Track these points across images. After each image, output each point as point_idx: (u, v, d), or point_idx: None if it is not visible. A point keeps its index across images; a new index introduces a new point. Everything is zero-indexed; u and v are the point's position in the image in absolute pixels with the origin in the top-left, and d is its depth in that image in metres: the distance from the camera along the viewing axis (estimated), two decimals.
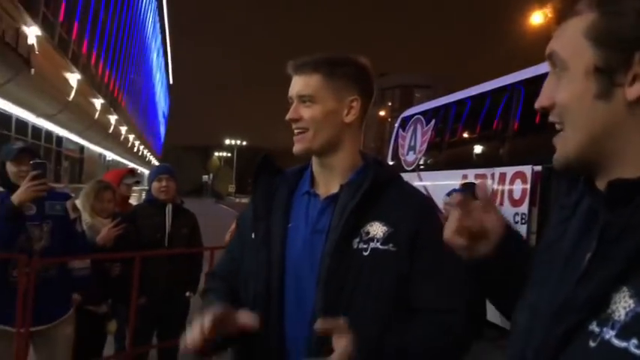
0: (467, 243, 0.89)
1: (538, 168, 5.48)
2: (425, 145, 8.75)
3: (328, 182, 1.32)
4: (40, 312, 2.70)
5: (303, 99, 1.29)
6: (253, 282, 1.26)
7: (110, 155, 35.27)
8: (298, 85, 1.29)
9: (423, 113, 9.17)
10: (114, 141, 31.96)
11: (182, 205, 3.71)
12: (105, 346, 3.49)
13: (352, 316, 1.11)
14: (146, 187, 3.85)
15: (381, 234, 1.21)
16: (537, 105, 0.78)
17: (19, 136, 17.47)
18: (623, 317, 0.63)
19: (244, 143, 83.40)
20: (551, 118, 0.76)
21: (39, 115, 18.24)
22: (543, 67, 5.10)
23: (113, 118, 28.55)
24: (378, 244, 1.21)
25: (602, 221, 0.70)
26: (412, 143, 9.21)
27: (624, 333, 0.62)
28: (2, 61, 12.19)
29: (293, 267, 1.25)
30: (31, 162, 2.60)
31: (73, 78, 19.12)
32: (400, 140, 9.61)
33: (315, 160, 1.35)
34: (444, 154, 8.30)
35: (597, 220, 0.72)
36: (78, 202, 3.23)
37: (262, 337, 1.19)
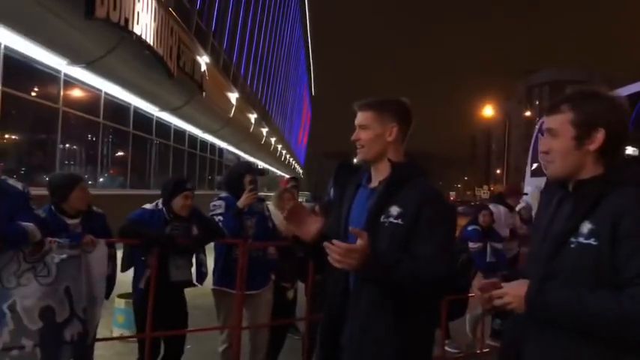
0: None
1: None
2: None
3: (376, 179, 2.00)
4: (251, 281, 3.80)
5: (362, 127, 1.99)
6: (332, 233, 1.95)
7: (261, 164, 38.49)
8: (359, 118, 2.00)
9: None
10: (265, 151, 34.84)
11: None
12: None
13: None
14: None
15: (395, 212, 1.86)
16: (541, 150, 1.61)
17: (190, 149, 20.27)
18: (586, 231, 1.49)
19: None
20: (544, 159, 1.60)
21: (205, 131, 20.89)
22: None
23: (264, 131, 31.23)
24: (392, 219, 1.86)
25: (573, 198, 1.54)
26: None
27: (587, 237, 1.48)
28: (183, 87, 14.48)
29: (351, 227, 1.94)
30: (250, 179, 3.75)
31: (233, 97, 21.58)
32: (540, 145, 9.75)
33: (372, 165, 2.02)
34: None
35: (564, 205, 1.55)
36: (270, 204, 4.37)
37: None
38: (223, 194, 3.99)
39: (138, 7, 10.26)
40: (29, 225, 2.87)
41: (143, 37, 10.63)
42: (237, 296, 3.74)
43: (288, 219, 2.03)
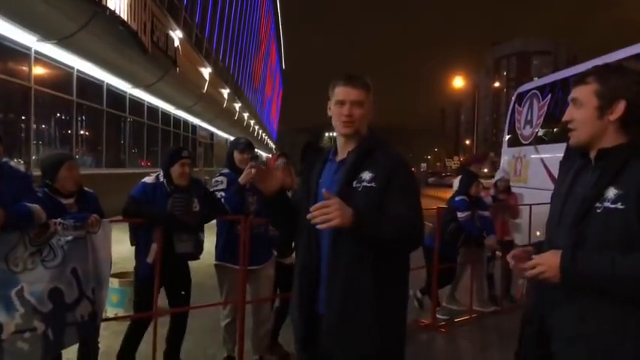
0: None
1: None
2: (541, 120, 9.06)
3: (344, 151, 2.11)
4: (253, 257, 3.85)
5: (357, 103, 2.06)
6: (301, 207, 2.10)
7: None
8: (354, 94, 2.06)
9: (539, 88, 9.44)
10: (238, 127, 34.53)
11: None
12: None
13: None
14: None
15: (368, 177, 1.99)
16: (563, 119, 1.70)
17: (163, 126, 19.96)
18: (612, 196, 1.58)
19: None
20: (570, 126, 1.71)
21: (178, 107, 20.57)
22: None
23: (237, 106, 30.91)
24: (365, 183, 1.99)
25: (598, 167, 1.69)
26: (529, 117, 9.54)
27: (614, 201, 1.57)
28: (156, 63, 14.17)
29: (320, 200, 1.99)
30: (251, 156, 3.76)
31: (206, 72, 21.25)
32: (517, 115, 9.95)
33: (344, 138, 2.11)
34: (560, 128, 8.57)
35: (584, 173, 1.74)
36: None
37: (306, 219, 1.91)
38: (225, 170, 4.01)
39: None
40: (34, 206, 2.85)
41: (117, 12, 10.33)
42: (240, 271, 3.79)
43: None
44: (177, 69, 15.70)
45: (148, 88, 15.59)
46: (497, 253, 6.19)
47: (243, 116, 34.52)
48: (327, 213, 1.78)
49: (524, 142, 9.39)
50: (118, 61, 12.55)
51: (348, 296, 1.95)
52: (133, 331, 3.68)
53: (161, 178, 3.64)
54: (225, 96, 26.20)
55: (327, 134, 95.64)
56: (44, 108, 11.15)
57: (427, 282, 5.62)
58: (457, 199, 5.60)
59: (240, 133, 37.39)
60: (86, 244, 3.11)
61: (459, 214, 5.45)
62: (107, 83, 13.90)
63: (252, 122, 40.86)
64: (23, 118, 10.31)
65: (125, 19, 10.81)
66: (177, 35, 15.63)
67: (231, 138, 31.95)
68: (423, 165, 78.45)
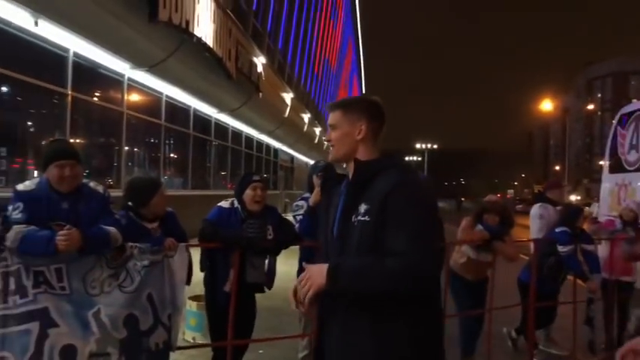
0: None
1: None
2: None
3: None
4: None
5: (331, 126, 1.97)
6: (322, 241, 2.00)
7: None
8: (329, 118, 1.98)
9: None
10: (318, 150, 34.83)
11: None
12: None
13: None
14: None
15: (363, 210, 1.79)
16: None
17: (247, 150, 20.44)
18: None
19: (435, 147, 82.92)
20: None
21: (261, 131, 21.03)
22: None
23: (318, 130, 31.22)
24: (359, 217, 1.80)
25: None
26: (634, 141, 8.71)
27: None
28: (240, 88, 14.54)
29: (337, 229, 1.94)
30: (320, 174, 3.69)
31: (288, 97, 21.62)
32: (619, 138, 9.14)
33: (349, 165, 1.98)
34: None
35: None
36: None
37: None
38: (306, 194, 3.98)
39: (198, 9, 10.32)
40: (111, 229, 2.80)
41: (203, 39, 10.68)
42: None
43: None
44: (260, 94, 16.02)
45: (232, 112, 16.02)
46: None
47: (323, 140, 34.78)
48: (304, 285, 1.76)
49: (628, 168, 8.55)
50: (204, 87, 12.98)
51: (344, 338, 1.82)
52: None
53: (236, 204, 3.54)
54: (306, 120, 26.51)
55: (406, 158, 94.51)
56: (135, 132, 11.70)
57: (522, 321, 5.10)
58: (558, 230, 5.06)
59: (320, 157, 37.73)
60: (163, 269, 3.02)
61: (560, 248, 4.91)
62: (194, 108, 14.41)
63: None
64: (115, 141, 10.84)
65: (211, 45, 11.16)
66: (260, 61, 16.00)
67: (311, 161, 32.38)
68: (510, 191, 75.22)
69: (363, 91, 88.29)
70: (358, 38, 66.40)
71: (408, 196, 1.76)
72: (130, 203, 3.26)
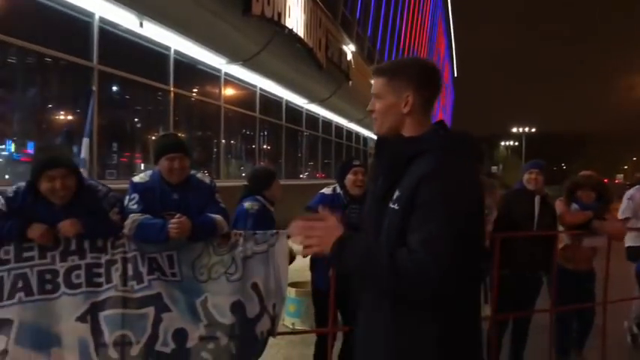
0: None
1: None
2: None
3: None
4: None
5: (375, 95, 1.69)
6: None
7: None
8: (373, 85, 1.71)
9: None
10: None
11: (547, 197, 4.08)
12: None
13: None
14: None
15: (395, 197, 1.57)
16: None
17: (336, 139, 20.53)
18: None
19: (533, 130, 78.49)
20: None
21: (350, 120, 21.01)
22: None
23: None
24: (391, 205, 1.57)
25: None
26: None
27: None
28: (331, 78, 14.60)
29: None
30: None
31: None
32: None
33: None
34: None
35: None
36: None
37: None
38: None
39: (289, 1, 10.45)
40: (217, 217, 2.90)
41: (294, 30, 10.82)
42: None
43: None
44: (350, 82, 15.99)
45: (322, 102, 16.15)
46: None
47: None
48: (310, 236, 1.56)
49: None
50: (295, 78, 13.17)
51: (368, 329, 1.68)
52: (318, 347, 3.64)
53: (338, 190, 3.68)
54: None
55: (502, 143, 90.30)
56: (232, 125, 12.13)
57: None
58: None
59: None
60: (267, 258, 3.07)
61: None
62: (286, 99, 14.69)
63: None
64: (213, 134, 11.31)
65: (302, 36, 11.27)
66: (349, 49, 15.96)
67: None
68: (619, 176, 69.74)
69: (455, 74, 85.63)
70: (449, 20, 64.30)
71: (440, 187, 1.49)
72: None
